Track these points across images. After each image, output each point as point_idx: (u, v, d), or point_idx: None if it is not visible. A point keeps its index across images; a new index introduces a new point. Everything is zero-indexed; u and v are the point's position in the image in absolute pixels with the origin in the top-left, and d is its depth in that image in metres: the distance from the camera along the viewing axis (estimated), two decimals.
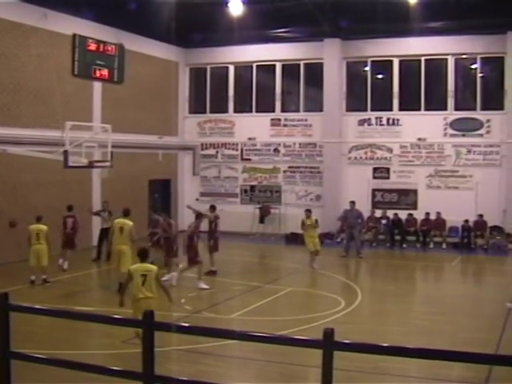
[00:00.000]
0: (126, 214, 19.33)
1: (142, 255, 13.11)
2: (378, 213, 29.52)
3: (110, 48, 26.90)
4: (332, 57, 30.69)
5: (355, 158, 30.91)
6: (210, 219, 21.88)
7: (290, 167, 32.10)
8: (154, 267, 13.04)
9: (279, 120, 32.39)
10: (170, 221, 21.84)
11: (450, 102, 29.64)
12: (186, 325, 10.18)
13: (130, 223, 18.80)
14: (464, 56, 29.57)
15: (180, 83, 33.72)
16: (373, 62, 31.00)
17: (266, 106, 32.76)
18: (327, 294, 18.81)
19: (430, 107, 29.95)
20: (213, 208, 22.30)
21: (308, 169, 31.77)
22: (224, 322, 15.69)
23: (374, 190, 30.54)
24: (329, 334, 7.20)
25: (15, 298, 9.41)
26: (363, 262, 25.73)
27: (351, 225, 26.48)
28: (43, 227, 19.54)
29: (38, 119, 24.11)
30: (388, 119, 30.50)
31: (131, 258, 17.99)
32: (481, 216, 27.98)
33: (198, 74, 34.37)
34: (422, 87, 29.95)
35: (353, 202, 26.86)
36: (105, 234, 23.67)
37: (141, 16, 27.01)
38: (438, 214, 28.50)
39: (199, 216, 20.59)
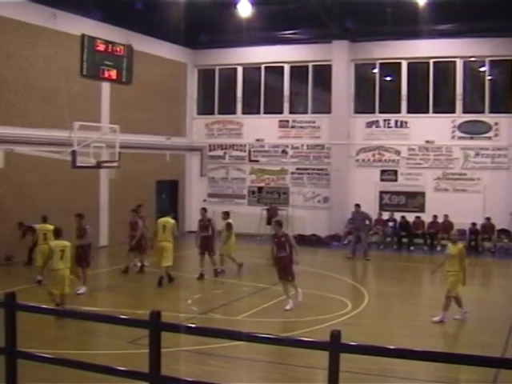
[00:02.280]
0: (168, 213, 21.73)
1: (58, 234, 15.97)
2: (386, 215, 29.50)
3: (118, 48, 26.81)
4: (340, 59, 30.68)
5: (363, 160, 30.88)
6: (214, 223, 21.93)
7: (297, 169, 32.08)
8: (68, 243, 15.82)
9: (287, 121, 32.38)
10: (137, 220, 22.02)
11: (459, 104, 29.58)
12: (193, 326, 10.16)
13: (172, 221, 20.69)
14: (472, 58, 29.51)
15: (188, 84, 33.78)
16: (381, 64, 30.97)
17: (274, 108, 32.76)
18: (334, 296, 18.77)
19: (438, 110, 29.90)
20: (204, 210, 22.22)
21: (316, 170, 31.74)
22: (231, 323, 15.67)
23: (381, 193, 30.51)
24: (335, 335, 7.17)
25: (22, 298, 9.41)
26: (370, 264, 25.70)
27: (358, 227, 26.49)
28: (50, 227, 19.53)
29: (45, 119, 24.18)
30: (396, 121, 30.45)
31: (172, 252, 20.25)
32: (488, 219, 27.90)
33: (206, 75, 34.40)
34: (430, 89, 29.90)
35: (358, 205, 26.90)
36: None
37: (149, 17, 27.04)
38: (446, 216, 28.40)
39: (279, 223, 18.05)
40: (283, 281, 17.47)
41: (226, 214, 22.90)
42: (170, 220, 20.65)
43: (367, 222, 26.84)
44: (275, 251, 17.41)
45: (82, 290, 18.43)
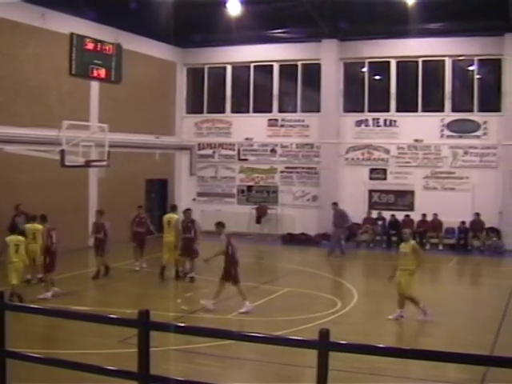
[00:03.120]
0: (173, 209, 22.37)
1: (13, 229, 18.42)
2: (375, 214, 29.57)
3: (107, 47, 26.85)
4: (329, 57, 30.70)
5: (352, 158, 30.91)
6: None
7: (286, 168, 32.08)
8: (22, 238, 17.35)
9: (276, 120, 32.37)
10: (103, 222, 21.32)
11: (447, 103, 29.66)
12: (182, 325, 10.16)
13: (176, 217, 21.32)
14: (461, 58, 29.59)
15: (177, 83, 33.72)
16: (370, 63, 31.00)
17: (263, 107, 32.76)
18: (323, 295, 18.80)
19: (427, 108, 29.97)
20: (189, 211, 21.62)
21: (305, 169, 31.76)
22: (220, 322, 15.67)
23: (370, 191, 30.55)
24: (324, 334, 7.18)
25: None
26: (360, 263, 25.82)
27: (335, 225, 26.57)
28: (39, 226, 19.44)
29: (35, 118, 24.08)
30: (385, 120, 30.50)
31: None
32: (477, 215, 27.96)
33: (195, 74, 34.35)
34: (419, 88, 29.97)
35: (335, 203, 27.14)
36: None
37: (139, 16, 26.99)
38: (435, 215, 28.51)
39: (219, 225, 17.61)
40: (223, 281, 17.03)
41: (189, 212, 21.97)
42: (174, 216, 21.36)
43: (346, 219, 26.86)
44: None
45: (48, 294, 17.90)
